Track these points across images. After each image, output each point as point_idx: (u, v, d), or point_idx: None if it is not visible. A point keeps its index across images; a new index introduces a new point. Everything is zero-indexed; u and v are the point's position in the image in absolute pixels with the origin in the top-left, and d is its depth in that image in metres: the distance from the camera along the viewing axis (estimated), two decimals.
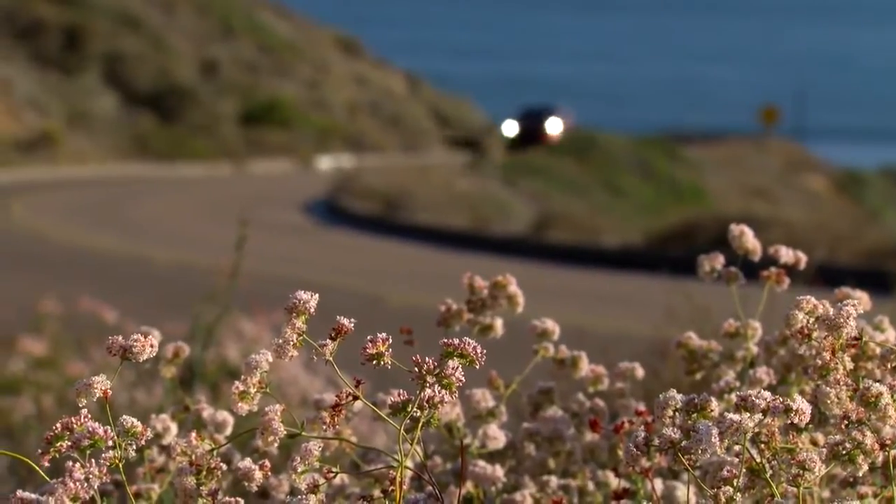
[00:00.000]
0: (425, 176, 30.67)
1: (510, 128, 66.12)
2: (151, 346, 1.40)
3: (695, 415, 1.76)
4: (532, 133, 63.92)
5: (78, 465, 1.14)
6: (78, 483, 1.13)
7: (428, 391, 1.49)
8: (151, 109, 54.89)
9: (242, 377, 1.50)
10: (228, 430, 1.57)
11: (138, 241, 20.47)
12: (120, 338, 1.40)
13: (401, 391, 1.58)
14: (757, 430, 1.69)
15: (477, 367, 1.55)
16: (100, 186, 37.62)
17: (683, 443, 1.68)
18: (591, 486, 2.04)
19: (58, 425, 1.18)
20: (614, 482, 2.03)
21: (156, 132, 53.28)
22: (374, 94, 70.78)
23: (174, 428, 1.48)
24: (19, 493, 1.23)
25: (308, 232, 24.67)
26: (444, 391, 1.50)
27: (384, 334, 1.53)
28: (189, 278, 14.35)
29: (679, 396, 1.79)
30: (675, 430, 1.70)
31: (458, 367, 1.50)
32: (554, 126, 65.16)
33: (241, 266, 5.30)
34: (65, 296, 6.01)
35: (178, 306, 6.64)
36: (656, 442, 1.74)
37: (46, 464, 1.21)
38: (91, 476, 1.14)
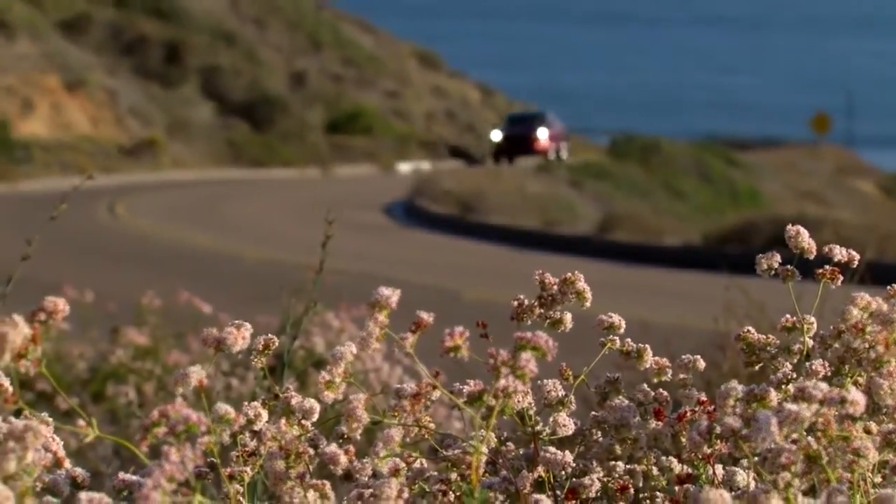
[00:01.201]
0: (498, 179, 30.64)
1: (496, 137, 60.92)
2: (244, 338, 1.39)
3: (754, 404, 1.74)
4: (520, 141, 59.72)
5: (174, 449, 1.13)
6: (174, 466, 1.12)
7: (503, 381, 1.48)
8: (245, 118, 55.20)
9: (329, 368, 1.49)
10: (315, 417, 1.56)
11: (232, 240, 20.57)
12: (215, 330, 1.40)
13: (477, 381, 1.57)
14: (814, 419, 1.67)
15: (548, 359, 1.53)
16: (197, 189, 37.86)
17: (744, 431, 1.66)
18: (655, 470, 2.02)
19: (155, 412, 1.18)
20: (677, 467, 2.01)
21: (248, 139, 53.57)
22: (451, 104, 70.82)
23: (265, 414, 1.47)
24: (121, 474, 1.22)
25: (389, 232, 24.71)
26: (517, 381, 1.48)
27: (461, 328, 1.52)
28: (278, 274, 14.40)
29: (740, 387, 1.77)
30: (736, 419, 1.68)
31: (531, 359, 1.48)
32: (543, 134, 60.65)
33: (327, 263, 5.30)
34: (165, 290, 6.04)
35: (269, 300, 6.66)
36: (718, 430, 1.72)
37: (145, 448, 1.20)
38: (186, 459, 1.13)
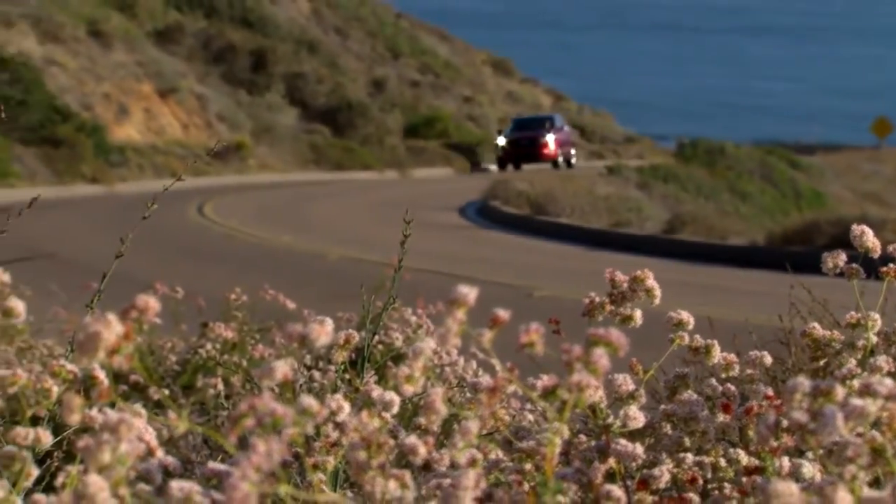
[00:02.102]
0: (568, 181, 30.57)
1: (502, 142, 55.41)
2: (326, 333, 1.39)
3: (821, 399, 1.72)
4: (526, 147, 54.13)
5: (261, 441, 1.13)
6: (261, 457, 1.12)
7: (576, 376, 1.47)
8: (327, 123, 55.45)
9: (408, 362, 1.48)
10: (395, 409, 1.55)
11: (314, 239, 20.66)
12: (298, 326, 1.39)
13: (551, 376, 1.56)
14: (879, 414, 1.65)
15: (620, 354, 1.52)
16: (281, 191, 38.05)
17: (811, 425, 1.64)
18: (723, 462, 2.00)
19: (244, 405, 1.17)
20: (745, 459, 1.99)
21: (330, 143, 53.79)
22: (523, 109, 70.76)
23: (347, 407, 1.47)
24: (210, 464, 1.22)
25: (463, 231, 24.72)
26: (590, 376, 1.47)
27: (536, 324, 1.50)
28: (358, 272, 14.44)
29: (807, 382, 1.75)
30: (803, 413, 1.66)
31: (603, 355, 1.47)
32: (551, 139, 54.65)
33: (405, 261, 5.31)
34: (251, 287, 6.06)
35: (349, 297, 6.66)
36: (785, 424, 1.70)
37: (234, 439, 1.20)
38: (273, 451, 1.12)
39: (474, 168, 58.03)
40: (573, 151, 57.41)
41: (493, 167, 55.97)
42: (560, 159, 55.18)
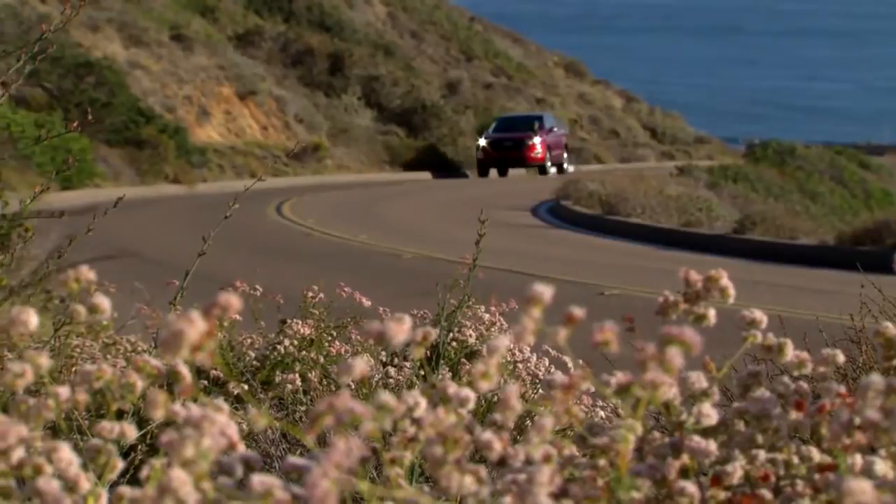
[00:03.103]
0: (639, 182, 30.45)
1: (482, 144, 48.83)
2: (404, 331, 1.38)
3: (893, 397, 1.69)
4: (510, 149, 47.65)
5: (341, 438, 1.12)
6: (341, 455, 1.12)
7: (650, 374, 1.45)
8: (402, 124, 55.58)
9: (484, 359, 1.47)
10: (471, 406, 1.54)
11: (389, 238, 20.71)
12: (377, 324, 1.39)
13: (626, 373, 1.55)
14: None
15: (694, 353, 1.50)
16: (357, 191, 38.19)
17: (884, 423, 1.62)
18: (796, 459, 1.97)
19: (323, 404, 1.17)
20: (818, 456, 1.96)
21: (405, 144, 53.91)
22: (595, 110, 70.57)
23: (423, 402, 1.46)
24: (290, 458, 1.21)
25: (535, 231, 24.69)
26: (664, 374, 1.46)
27: (611, 323, 1.49)
28: (432, 270, 14.46)
29: (880, 380, 1.72)
30: (876, 411, 1.64)
31: (678, 354, 1.46)
32: (538, 142, 47.79)
33: (478, 259, 5.31)
34: (328, 284, 6.08)
35: (423, 295, 6.66)
36: (857, 422, 1.68)
37: (312, 437, 1.20)
38: (352, 449, 1.12)
39: (443, 174, 50.07)
40: (566, 155, 51.00)
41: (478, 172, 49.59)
42: (549, 164, 48.75)
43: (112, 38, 47.04)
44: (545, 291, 1.46)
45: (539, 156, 47.96)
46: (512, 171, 49.13)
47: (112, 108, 38.95)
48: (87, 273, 1.36)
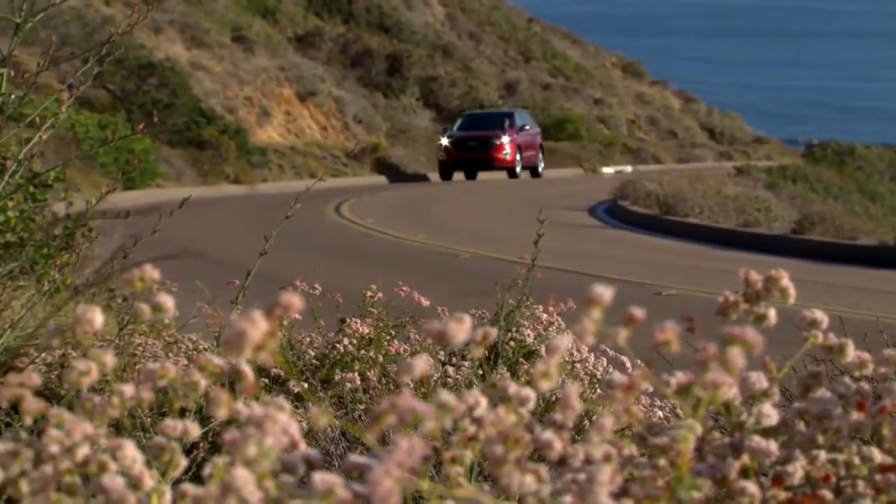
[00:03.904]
0: (697, 182, 30.30)
1: (445, 143, 43.46)
2: (464, 330, 1.38)
3: None
4: (475, 150, 42.51)
5: (402, 438, 1.12)
6: (403, 454, 1.11)
7: (711, 374, 1.44)
8: None
9: (545, 358, 1.46)
10: (531, 405, 1.54)
11: (446, 237, 20.72)
12: (437, 323, 1.38)
13: (686, 373, 1.54)
14: None
15: (755, 353, 1.49)
16: (415, 190, 38.24)
17: None
18: (856, 460, 1.96)
19: (385, 403, 1.17)
20: (878, 457, 1.94)
21: None
22: (653, 111, 70.32)
23: (484, 402, 1.46)
24: (351, 457, 1.21)
25: (593, 231, 24.62)
26: (725, 374, 1.44)
27: (672, 323, 1.48)
28: (489, 270, 14.45)
29: None
30: None
31: (739, 354, 1.45)
32: (507, 141, 42.64)
33: (537, 259, 5.30)
34: (386, 284, 6.09)
35: (480, 294, 6.66)
36: None
37: (373, 436, 1.20)
38: (414, 448, 1.12)
39: (395, 179, 44.33)
40: (541, 156, 45.85)
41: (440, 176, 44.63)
42: (518, 167, 43.74)
43: (174, 40, 47.36)
44: (605, 292, 1.45)
45: (508, 157, 42.71)
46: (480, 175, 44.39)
47: (174, 110, 39.21)
48: (152, 272, 1.37)
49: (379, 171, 47.48)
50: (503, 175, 49.43)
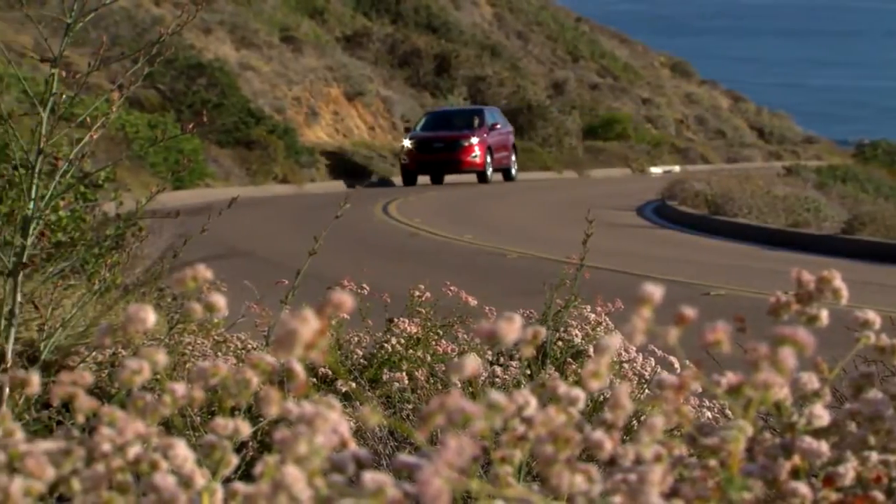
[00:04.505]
0: (746, 182, 30.15)
1: (407, 145, 39.28)
2: (514, 330, 1.38)
3: None
4: (441, 152, 38.22)
5: (452, 437, 1.12)
6: (453, 454, 1.11)
7: (762, 375, 1.44)
8: None
9: (595, 358, 1.46)
10: (580, 405, 1.53)
11: (494, 237, 20.71)
12: (487, 323, 1.38)
13: (737, 373, 1.53)
14: None
15: (807, 354, 1.48)
16: (462, 190, 38.21)
17: None
18: None
19: (435, 403, 1.17)
20: None
21: None
22: (701, 110, 70.03)
23: (533, 401, 1.46)
24: (401, 457, 1.21)
25: (641, 230, 24.55)
26: (776, 375, 1.44)
27: (722, 323, 1.48)
28: (536, 270, 14.43)
29: None
30: None
31: (790, 354, 1.44)
32: (477, 142, 38.40)
33: (585, 259, 5.29)
34: (433, 283, 6.09)
35: (527, 294, 6.65)
36: None
37: (423, 436, 1.20)
38: (464, 448, 1.12)
39: (353, 183, 38.44)
40: (513, 158, 41.41)
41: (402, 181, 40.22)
42: (490, 170, 39.47)
43: (224, 40, 47.57)
44: (655, 291, 1.45)
45: (478, 160, 38.39)
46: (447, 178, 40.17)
47: (223, 110, 39.38)
48: (204, 272, 1.38)
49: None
50: (549, 175, 49.33)
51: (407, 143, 39.11)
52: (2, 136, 4.32)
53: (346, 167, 43.27)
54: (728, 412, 4.38)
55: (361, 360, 5.70)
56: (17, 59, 24.34)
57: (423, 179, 40.71)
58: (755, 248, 20.17)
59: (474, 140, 38.23)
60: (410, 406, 4.91)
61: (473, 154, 38.25)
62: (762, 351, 1.44)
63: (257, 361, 1.31)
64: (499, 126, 40.47)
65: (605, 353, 1.49)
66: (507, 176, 41.17)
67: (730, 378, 1.53)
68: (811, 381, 1.85)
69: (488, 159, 38.85)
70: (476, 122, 39.35)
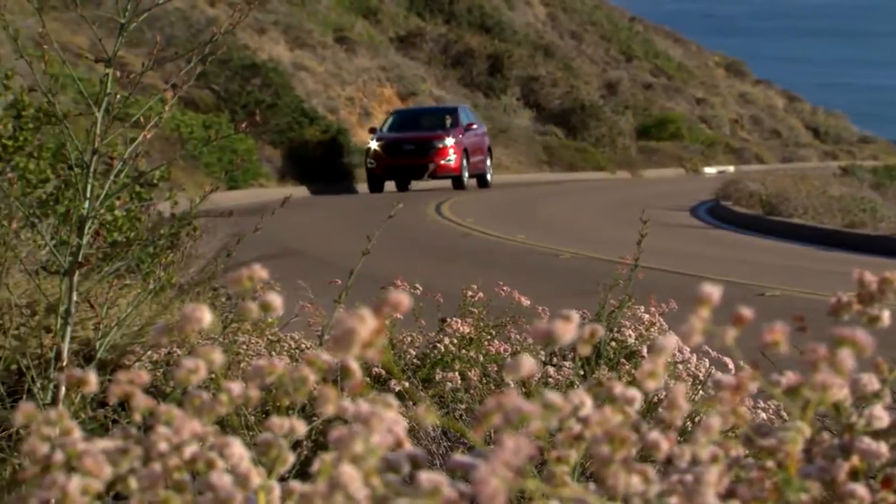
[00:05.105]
0: (801, 182, 29.96)
1: (374, 147, 34.82)
2: (571, 329, 1.37)
3: None
4: (411, 155, 34.04)
5: (509, 437, 1.12)
6: (510, 453, 1.11)
7: (821, 375, 1.42)
8: (560, 125, 55.44)
9: (650, 358, 1.45)
10: (637, 405, 1.53)
11: (547, 237, 20.67)
12: (543, 322, 1.38)
13: (795, 374, 1.52)
14: None
15: (866, 355, 1.47)
16: (516, 191, 38.19)
17: None
18: None
19: (492, 402, 1.16)
20: None
21: (563, 144, 53.79)
22: (756, 110, 69.66)
23: (589, 401, 1.45)
24: (456, 457, 1.21)
25: (694, 231, 24.44)
26: (835, 376, 1.42)
27: (781, 323, 1.47)
28: (589, 270, 14.40)
29: None
30: None
31: (849, 355, 1.42)
32: (451, 144, 34.33)
33: (639, 259, 5.28)
34: (486, 283, 6.09)
35: (581, 294, 6.63)
36: None
37: (478, 436, 1.19)
38: (521, 447, 1.11)
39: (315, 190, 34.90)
40: (489, 162, 37.71)
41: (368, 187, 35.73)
42: (466, 175, 35.54)
43: (277, 41, 47.75)
44: (714, 292, 1.44)
45: (452, 163, 34.41)
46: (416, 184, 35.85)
47: (277, 110, 39.52)
48: (260, 271, 1.38)
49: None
50: (602, 175, 49.19)
51: (373, 144, 34.72)
52: (58, 136, 4.36)
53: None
54: (783, 413, 4.35)
55: (414, 360, 5.71)
56: (73, 59, 24.56)
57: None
58: (810, 249, 20.04)
59: (449, 141, 34.51)
60: (463, 406, 4.91)
61: (448, 158, 34.43)
62: (821, 352, 1.43)
63: (314, 359, 1.31)
64: (474, 126, 36.86)
65: (662, 353, 1.48)
66: (482, 182, 37.46)
67: (789, 378, 1.52)
68: (871, 382, 1.84)
69: (464, 163, 35.21)
70: (449, 121, 35.60)
